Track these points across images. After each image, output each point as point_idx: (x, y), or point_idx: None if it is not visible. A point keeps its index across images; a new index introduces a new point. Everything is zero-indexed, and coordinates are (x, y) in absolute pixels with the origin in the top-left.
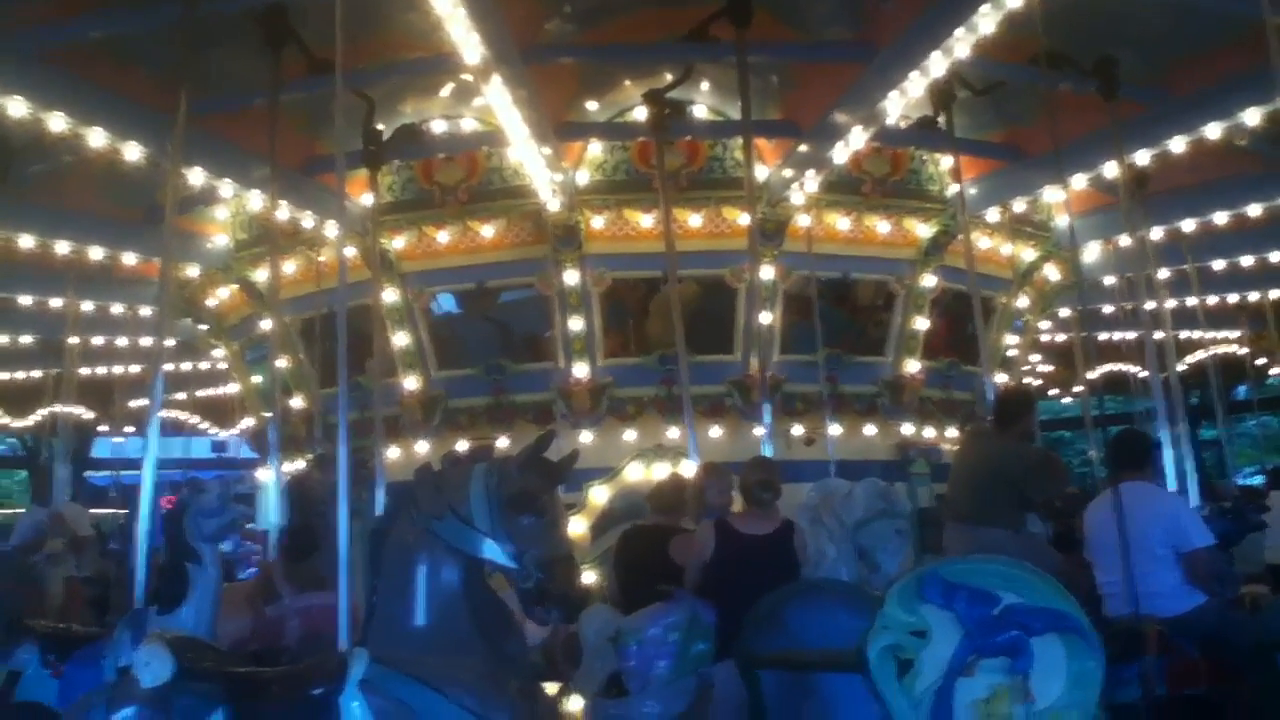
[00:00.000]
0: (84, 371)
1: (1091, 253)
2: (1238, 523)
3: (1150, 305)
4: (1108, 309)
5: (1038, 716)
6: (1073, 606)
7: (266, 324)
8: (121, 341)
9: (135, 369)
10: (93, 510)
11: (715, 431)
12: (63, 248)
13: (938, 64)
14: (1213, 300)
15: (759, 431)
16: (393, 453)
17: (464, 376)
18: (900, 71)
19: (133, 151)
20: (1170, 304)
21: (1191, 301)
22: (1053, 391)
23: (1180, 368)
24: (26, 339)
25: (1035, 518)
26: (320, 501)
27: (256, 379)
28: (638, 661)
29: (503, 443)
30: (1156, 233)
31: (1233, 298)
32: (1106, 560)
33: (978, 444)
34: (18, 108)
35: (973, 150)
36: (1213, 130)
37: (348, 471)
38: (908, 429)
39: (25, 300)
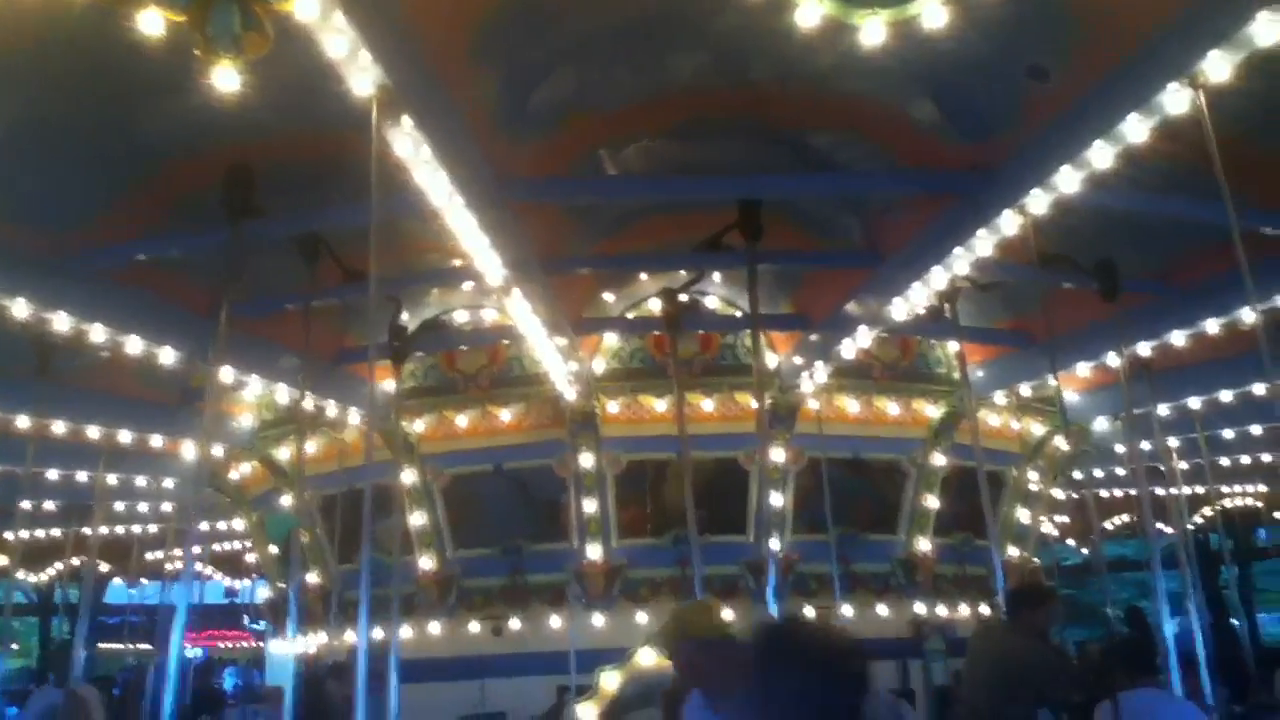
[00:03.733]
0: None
1: (1101, 424)
2: None
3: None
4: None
5: None
6: None
7: (287, 499)
8: (142, 506)
9: (153, 528)
10: (101, 645)
11: (728, 615)
12: (93, 431)
13: (938, 277)
14: (1226, 461)
15: (773, 611)
16: (405, 632)
17: (480, 556)
18: (902, 282)
19: (168, 356)
20: (1183, 465)
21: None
22: (1070, 541)
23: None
24: (50, 505)
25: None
26: (338, 714)
27: (273, 550)
28: None
29: (514, 624)
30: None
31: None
32: None
33: (991, 639)
34: (61, 322)
35: (978, 338)
36: (1212, 326)
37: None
38: (920, 607)
39: (53, 475)
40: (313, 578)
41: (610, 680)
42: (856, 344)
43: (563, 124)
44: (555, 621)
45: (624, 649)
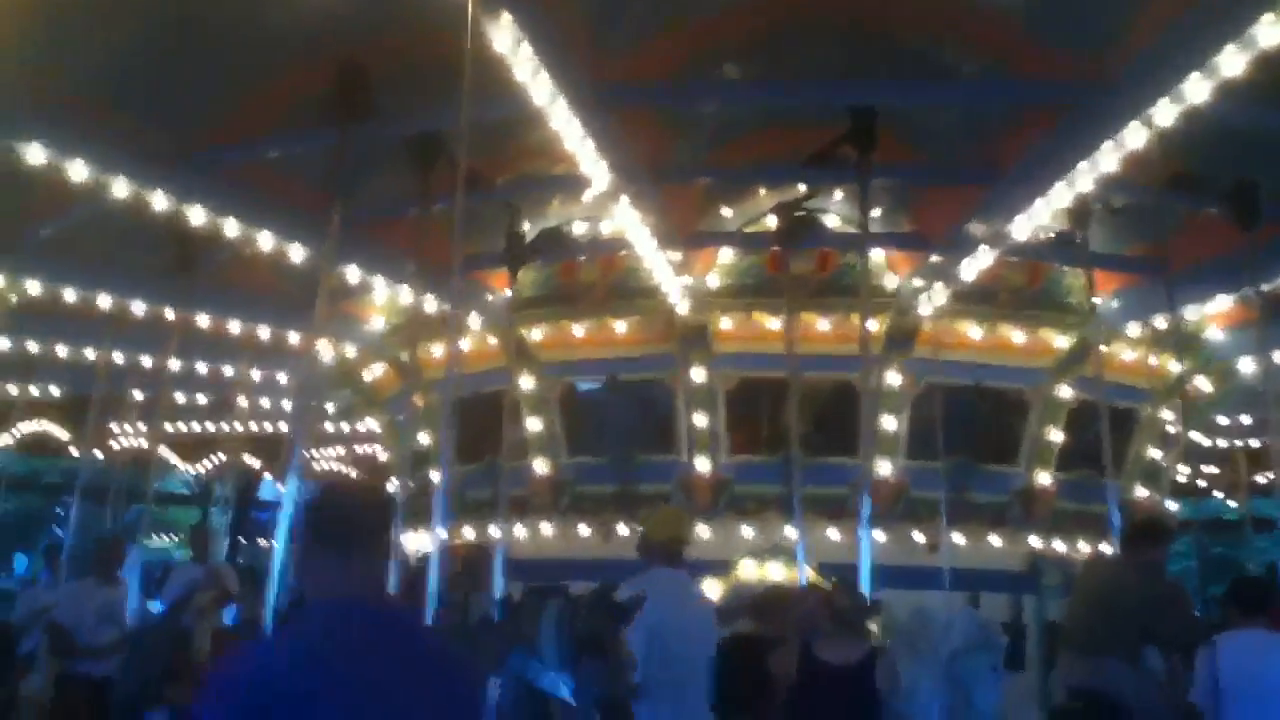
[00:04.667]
0: (252, 427)
1: (1247, 365)
2: None
3: None
4: None
5: None
6: None
7: (415, 399)
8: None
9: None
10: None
11: (833, 534)
12: (234, 326)
13: (1061, 193)
14: None
15: (880, 536)
16: (519, 533)
17: (593, 464)
18: (1023, 199)
19: (297, 253)
20: None
21: None
22: (1219, 494)
23: None
24: (201, 399)
25: (1154, 652)
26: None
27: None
28: None
29: (623, 530)
30: None
31: None
32: (1227, 710)
33: (1101, 571)
34: (197, 216)
35: (1108, 265)
36: None
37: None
38: (1036, 541)
39: (201, 369)
40: (436, 476)
41: (711, 590)
42: (977, 265)
43: (662, 30)
44: None
45: (726, 561)
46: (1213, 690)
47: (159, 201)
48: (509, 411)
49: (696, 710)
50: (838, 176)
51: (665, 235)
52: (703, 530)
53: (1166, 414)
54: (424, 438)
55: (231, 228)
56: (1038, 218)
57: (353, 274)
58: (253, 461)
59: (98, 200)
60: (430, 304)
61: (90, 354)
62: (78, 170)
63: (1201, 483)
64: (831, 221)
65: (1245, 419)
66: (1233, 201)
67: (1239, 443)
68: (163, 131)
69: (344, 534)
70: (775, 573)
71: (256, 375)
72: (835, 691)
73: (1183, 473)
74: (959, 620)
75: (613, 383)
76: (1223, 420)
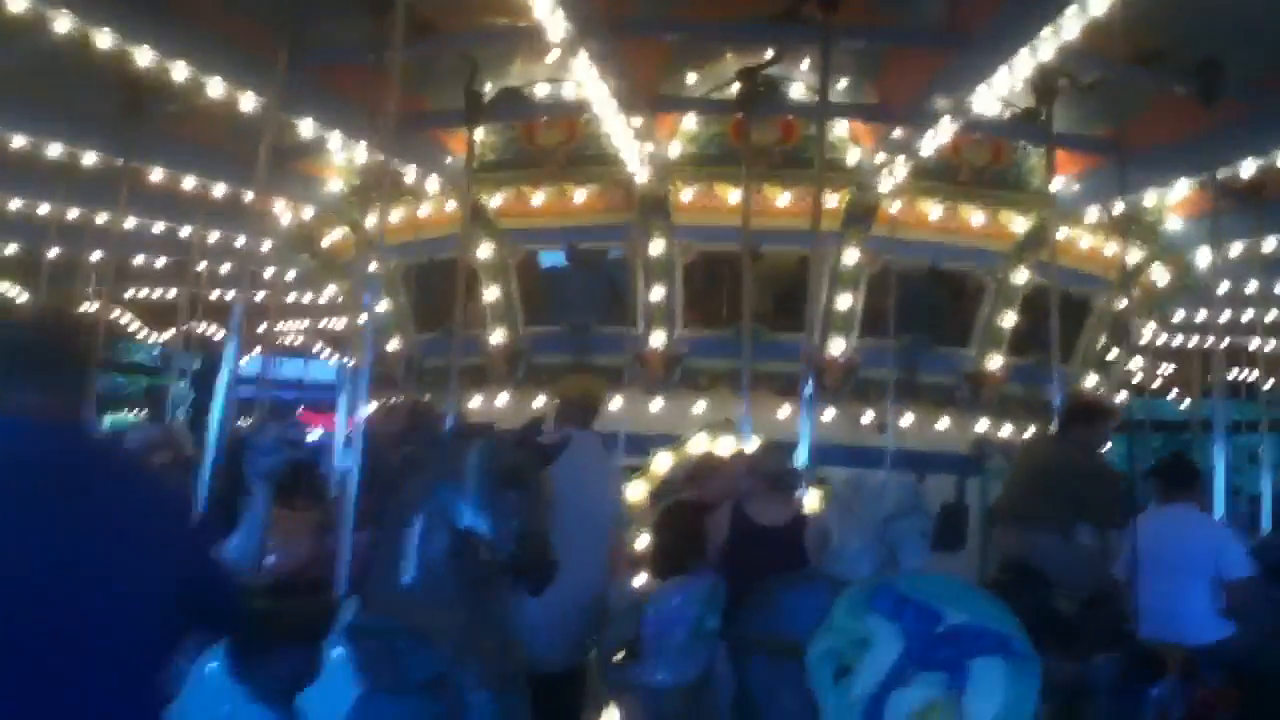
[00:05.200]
0: (214, 296)
1: (1205, 257)
2: None
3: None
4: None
5: None
6: (1018, 631)
7: (374, 266)
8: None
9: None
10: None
11: (784, 410)
12: (189, 182)
13: (1024, 62)
14: None
15: (829, 414)
16: (475, 401)
17: (549, 334)
18: (986, 66)
19: (249, 101)
20: None
21: None
22: (1173, 394)
23: None
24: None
25: (1087, 527)
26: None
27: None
28: (655, 629)
29: None
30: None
31: None
32: (1146, 580)
33: (1037, 449)
34: (144, 56)
35: (1071, 145)
36: None
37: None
38: (983, 424)
39: (157, 228)
40: (394, 344)
41: (662, 462)
42: (939, 139)
43: None
44: (617, 402)
45: (678, 436)
46: (1133, 562)
47: (104, 39)
48: (466, 279)
49: (586, 570)
50: (803, 37)
51: (626, 97)
52: (656, 404)
53: (1121, 304)
54: (382, 305)
55: (180, 71)
56: (1000, 88)
57: (306, 127)
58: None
59: (39, 37)
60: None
61: (43, 210)
62: (16, 1)
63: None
64: (798, 91)
65: (1202, 315)
66: (1197, 78)
67: (1194, 340)
68: None
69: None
70: (727, 447)
71: (213, 237)
72: (765, 551)
73: (1140, 369)
74: (891, 486)
75: (573, 253)
76: (1180, 315)
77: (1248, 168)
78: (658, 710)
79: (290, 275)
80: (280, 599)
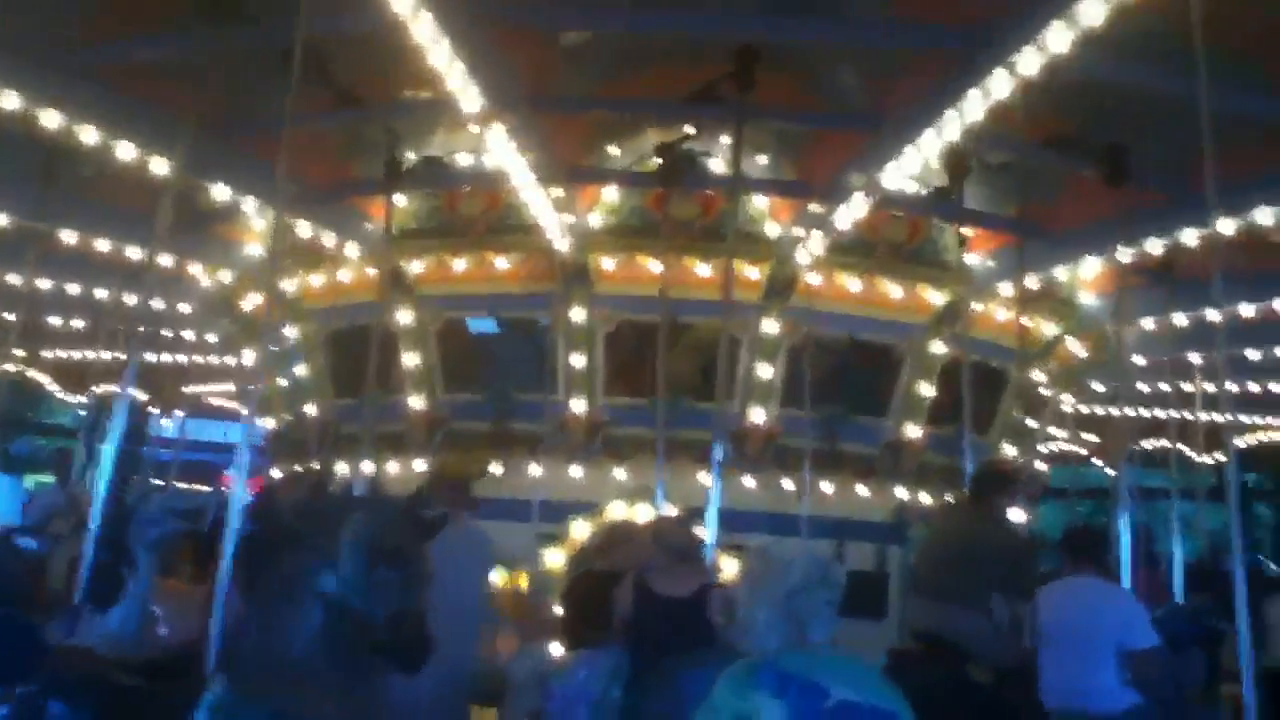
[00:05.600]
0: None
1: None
2: (1194, 627)
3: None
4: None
5: None
6: (905, 709)
7: (292, 331)
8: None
9: (183, 359)
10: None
11: (704, 478)
12: (103, 244)
13: (930, 142)
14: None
15: (749, 483)
16: (394, 468)
17: (470, 401)
18: (895, 146)
19: (160, 166)
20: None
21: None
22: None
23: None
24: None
25: (999, 597)
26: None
27: (281, 382)
28: (559, 702)
29: (497, 469)
30: (1180, 319)
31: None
32: (1052, 652)
33: (950, 519)
34: (51, 120)
35: (983, 222)
36: (1225, 226)
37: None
38: (903, 492)
39: (74, 289)
40: (311, 410)
41: (580, 529)
42: (852, 214)
43: None
44: (536, 470)
45: (598, 503)
46: (1036, 633)
47: (9, 101)
48: (386, 345)
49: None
50: (719, 115)
51: (545, 169)
52: (576, 471)
53: (1038, 375)
54: (300, 370)
55: (89, 135)
56: (909, 167)
57: (220, 192)
58: (139, 394)
59: None
60: (305, 229)
61: None
62: None
63: (1083, 450)
64: (718, 166)
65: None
66: (1104, 161)
67: (1115, 411)
68: (18, 25)
69: None
70: (644, 515)
71: (131, 300)
72: (668, 622)
73: (1063, 439)
74: (798, 558)
75: (497, 321)
76: (1099, 388)
77: (1154, 246)
78: None
79: (212, 339)
80: (158, 674)
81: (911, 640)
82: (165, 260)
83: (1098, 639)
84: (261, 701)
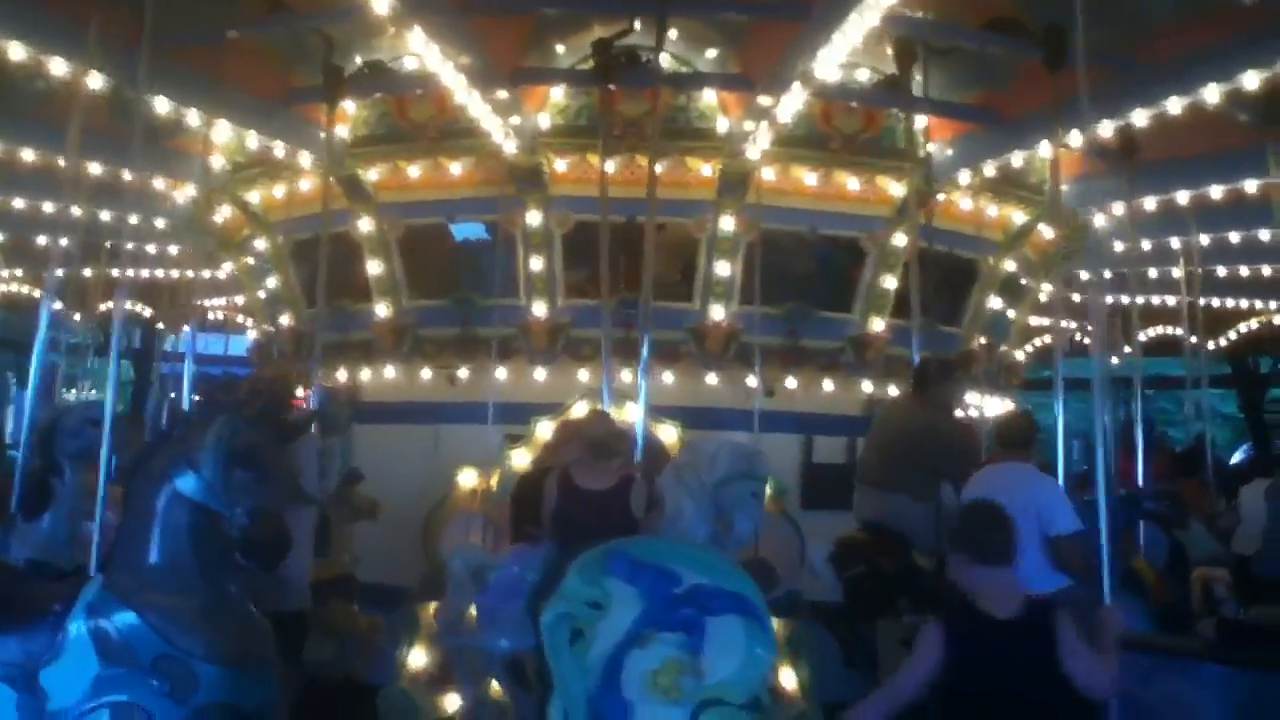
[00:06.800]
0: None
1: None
2: (1129, 509)
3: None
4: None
5: (704, 689)
6: (754, 592)
7: (262, 243)
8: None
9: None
10: None
11: (669, 378)
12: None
13: (854, 27)
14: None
15: (712, 380)
16: (364, 376)
17: (435, 306)
18: (823, 33)
19: (96, 80)
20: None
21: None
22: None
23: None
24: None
25: (948, 487)
26: None
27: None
28: (494, 597)
29: (463, 373)
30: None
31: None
32: None
33: (895, 411)
34: None
35: (938, 110)
36: (1174, 105)
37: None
38: (869, 386)
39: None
40: (286, 320)
41: (544, 430)
42: (793, 106)
43: None
44: (502, 373)
45: (562, 404)
46: None
47: None
48: (351, 254)
49: None
50: (639, 6)
51: (479, 71)
52: (540, 374)
53: (1009, 265)
54: (273, 281)
55: (16, 51)
56: (838, 54)
57: (164, 105)
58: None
59: None
60: (252, 139)
61: None
62: None
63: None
64: (665, 62)
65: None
66: (1044, 45)
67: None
68: None
69: None
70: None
71: (105, 217)
72: (590, 513)
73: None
74: (725, 451)
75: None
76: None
77: (1106, 129)
78: (499, 675)
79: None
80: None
81: (857, 530)
82: (128, 176)
83: (1019, 522)
84: (130, 600)
